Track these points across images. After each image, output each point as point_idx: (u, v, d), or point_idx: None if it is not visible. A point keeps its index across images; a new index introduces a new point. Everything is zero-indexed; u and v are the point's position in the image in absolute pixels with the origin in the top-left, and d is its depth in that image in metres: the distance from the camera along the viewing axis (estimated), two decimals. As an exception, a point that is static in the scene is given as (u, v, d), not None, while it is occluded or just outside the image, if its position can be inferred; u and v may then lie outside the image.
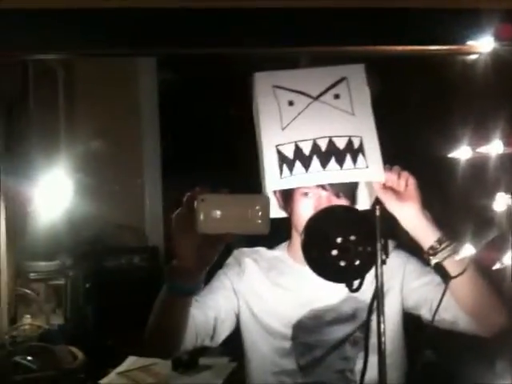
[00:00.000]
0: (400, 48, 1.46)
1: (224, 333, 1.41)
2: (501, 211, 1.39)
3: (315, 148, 1.27)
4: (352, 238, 0.99)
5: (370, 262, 1.00)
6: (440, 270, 1.26)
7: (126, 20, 1.46)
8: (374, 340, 1.35)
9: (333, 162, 1.26)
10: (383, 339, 1.01)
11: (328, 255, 1.00)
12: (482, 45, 1.41)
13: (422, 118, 2.17)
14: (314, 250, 1.02)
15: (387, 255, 1.00)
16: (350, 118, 1.30)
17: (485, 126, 1.46)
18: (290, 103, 1.30)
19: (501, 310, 1.29)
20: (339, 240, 1.00)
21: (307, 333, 1.40)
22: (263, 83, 1.32)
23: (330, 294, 1.40)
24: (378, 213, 1.00)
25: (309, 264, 1.04)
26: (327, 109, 1.30)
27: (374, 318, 1.35)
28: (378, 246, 0.99)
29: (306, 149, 1.27)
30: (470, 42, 1.42)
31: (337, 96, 1.31)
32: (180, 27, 1.47)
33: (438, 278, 1.33)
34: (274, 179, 1.27)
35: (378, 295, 1.01)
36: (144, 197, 2.87)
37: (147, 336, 1.22)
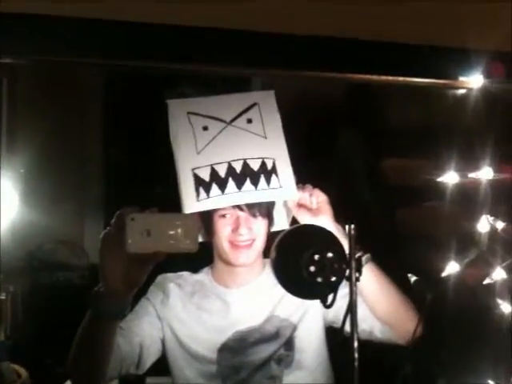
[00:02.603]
0: (400, 79, 1.60)
1: (149, 360, 1.39)
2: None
3: (230, 170, 1.32)
4: (328, 255, 1.02)
5: (343, 278, 1.03)
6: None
7: (75, 29, 1.47)
8: (298, 356, 1.41)
9: (248, 183, 1.32)
10: (356, 355, 1.02)
11: (305, 272, 1.01)
12: (473, 81, 1.53)
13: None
14: (287, 268, 1.04)
15: (360, 272, 1.03)
16: (262, 141, 1.36)
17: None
18: (205, 128, 1.35)
19: (413, 317, 1.35)
20: (316, 257, 1.02)
21: (232, 355, 1.40)
22: (177, 110, 1.37)
23: (253, 315, 1.43)
24: (352, 232, 1.04)
25: (280, 281, 1.06)
26: (241, 133, 1.35)
27: (296, 334, 1.42)
28: (353, 263, 1.02)
29: (222, 171, 1.32)
30: (461, 78, 1.55)
31: (249, 120, 1.37)
32: (130, 41, 1.50)
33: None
34: (191, 202, 1.32)
35: (352, 311, 1.03)
36: (84, 213, 2.85)
37: (70, 366, 1.18)
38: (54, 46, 1.48)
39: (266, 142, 1.36)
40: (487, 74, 1.51)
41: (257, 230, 1.38)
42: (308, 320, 1.43)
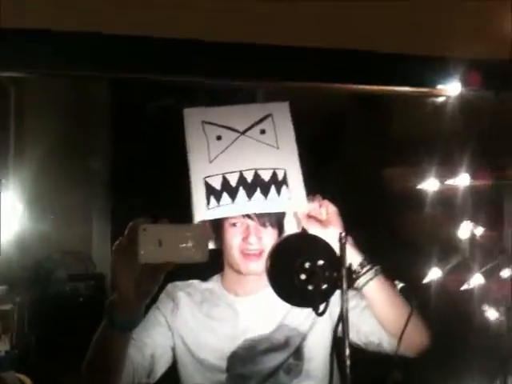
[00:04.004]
0: (378, 88, 1.63)
1: (161, 369, 1.40)
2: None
3: (241, 180, 1.33)
4: (319, 262, 1.03)
5: (335, 286, 1.03)
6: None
7: (80, 42, 1.49)
8: (307, 366, 1.41)
9: (258, 193, 1.33)
10: (348, 362, 1.03)
11: (296, 280, 1.02)
12: (450, 89, 1.55)
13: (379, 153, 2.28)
14: (281, 275, 1.05)
15: (352, 280, 1.05)
16: (274, 152, 1.37)
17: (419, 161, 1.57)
18: (218, 138, 1.37)
19: (422, 330, 1.35)
20: (307, 265, 1.03)
21: (242, 364, 1.40)
22: (192, 118, 1.39)
23: (262, 324, 1.43)
24: (343, 240, 1.04)
25: (274, 289, 1.06)
26: (253, 143, 1.37)
27: (305, 344, 1.42)
28: (344, 271, 1.02)
29: (233, 180, 1.34)
30: (439, 86, 1.57)
31: (263, 131, 1.38)
32: (135, 54, 1.52)
33: (363, 303, 1.39)
34: (201, 210, 1.33)
35: (344, 320, 1.03)
36: (91, 223, 2.85)
37: (85, 376, 1.18)
38: (61, 60, 1.51)
39: (278, 153, 1.37)
40: (465, 83, 1.53)
41: (266, 240, 1.38)
42: (317, 329, 1.43)
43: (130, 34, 1.51)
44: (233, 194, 1.32)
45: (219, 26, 1.53)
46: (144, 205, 2.30)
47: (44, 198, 2.58)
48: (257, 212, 1.35)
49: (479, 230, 1.46)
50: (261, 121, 1.39)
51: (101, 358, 1.14)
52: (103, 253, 2.76)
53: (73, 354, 1.27)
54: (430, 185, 1.48)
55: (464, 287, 1.45)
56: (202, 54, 1.54)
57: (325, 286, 1.03)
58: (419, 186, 1.49)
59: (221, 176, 1.34)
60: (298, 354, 1.42)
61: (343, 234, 1.05)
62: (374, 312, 1.36)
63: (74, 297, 2.54)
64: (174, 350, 1.43)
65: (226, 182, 1.33)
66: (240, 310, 1.44)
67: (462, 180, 1.47)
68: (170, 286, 1.48)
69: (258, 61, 1.57)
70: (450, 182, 1.47)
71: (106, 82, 2.66)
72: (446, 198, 1.49)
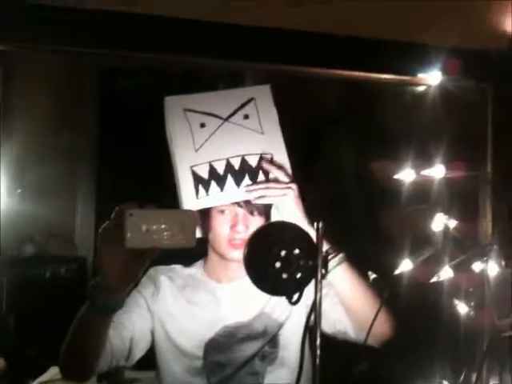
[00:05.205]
0: (357, 74, 1.58)
1: (139, 353, 1.39)
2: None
3: (229, 167, 1.33)
4: (295, 251, 1.03)
5: (310, 275, 1.03)
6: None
7: (70, 18, 1.46)
8: (281, 354, 1.41)
9: (247, 180, 1.33)
10: (318, 352, 1.03)
11: (270, 268, 1.02)
12: (431, 78, 1.53)
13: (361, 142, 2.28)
14: (257, 263, 1.04)
15: (326, 270, 1.03)
16: (259, 137, 1.36)
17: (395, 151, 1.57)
18: (202, 125, 1.35)
19: (386, 321, 1.34)
20: (282, 253, 1.02)
21: (219, 351, 1.40)
22: (174, 107, 1.36)
23: (242, 311, 1.42)
24: (320, 230, 1.03)
25: (250, 277, 1.06)
26: (238, 129, 1.36)
27: (281, 332, 1.42)
28: (320, 260, 1.02)
29: (220, 168, 1.33)
30: (420, 75, 1.55)
31: (246, 116, 1.37)
32: (127, 31, 1.50)
33: (332, 291, 1.37)
34: (190, 200, 1.32)
35: (316, 309, 1.03)
36: (76, 205, 2.83)
37: (63, 357, 1.18)
38: (49, 35, 1.48)
39: (263, 138, 1.36)
40: (445, 71, 1.52)
41: (253, 229, 1.35)
42: (294, 318, 1.42)
43: (116, 10, 1.48)
44: (221, 182, 1.32)
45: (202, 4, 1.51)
46: (129, 188, 2.28)
47: (27, 179, 2.56)
48: (247, 199, 1.34)
49: (452, 223, 1.47)
50: (243, 105, 1.37)
51: (80, 341, 1.15)
52: (86, 236, 2.75)
53: (51, 336, 1.27)
54: (405, 175, 1.48)
55: (434, 280, 1.46)
56: (182, 32, 1.51)
57: (299, 275, 1.03)
58: (395, 176, 1.49)
59: (207, 164, 1.33)
60: (273, 341, 1.41)
61: (320, 224, 1.04)
62: (341, 300, 1.36)
63: (55, 279, 2.52)
64: (152, 333, 1.42)
65: (213, 170, 1.32)
66: (221, 296, 1.44)
67: (437, 171, 1.47)
68: (152, 270, 1.46)
69: (239, 42, 1.54)
70: (425, 172, 1.47)
71: (94, 59, 2.62)
72: (420, 190, 1.49)
